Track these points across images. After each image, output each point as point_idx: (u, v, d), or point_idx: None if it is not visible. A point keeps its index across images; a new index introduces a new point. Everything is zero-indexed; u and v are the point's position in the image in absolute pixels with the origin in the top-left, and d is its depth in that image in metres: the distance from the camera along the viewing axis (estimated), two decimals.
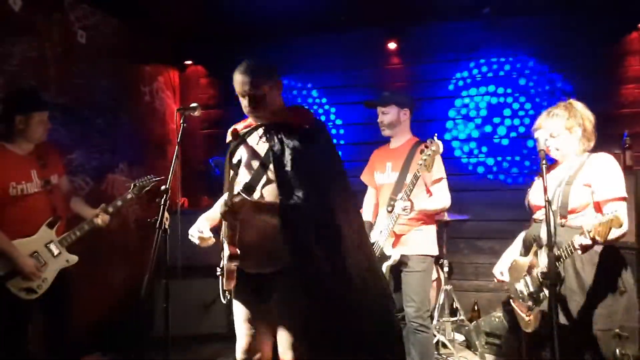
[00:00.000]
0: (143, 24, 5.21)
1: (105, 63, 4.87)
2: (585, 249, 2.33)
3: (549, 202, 2.37)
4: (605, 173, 2.56)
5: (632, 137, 4.55)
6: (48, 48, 4.22)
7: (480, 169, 5.25)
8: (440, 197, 3.52)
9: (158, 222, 2.47)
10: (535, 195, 2.83)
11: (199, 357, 4.48)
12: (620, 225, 2.21)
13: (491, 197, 5.12)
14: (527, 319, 2.74)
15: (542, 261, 2.60)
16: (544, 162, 2.48)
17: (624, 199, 2.51)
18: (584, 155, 2.70)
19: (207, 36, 5.58)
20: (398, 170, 3.57)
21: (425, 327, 3.45)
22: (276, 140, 2.41)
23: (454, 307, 4.75)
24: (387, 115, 3.65)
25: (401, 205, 3.33)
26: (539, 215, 2.75)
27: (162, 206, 2.49)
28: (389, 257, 3.46)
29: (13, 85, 3.79)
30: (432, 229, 3.64)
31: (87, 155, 4.62)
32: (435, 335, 4.24)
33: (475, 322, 4.65)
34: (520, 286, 2.80)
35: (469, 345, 4.61)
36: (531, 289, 2.70)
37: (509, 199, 4.94)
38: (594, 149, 2.74)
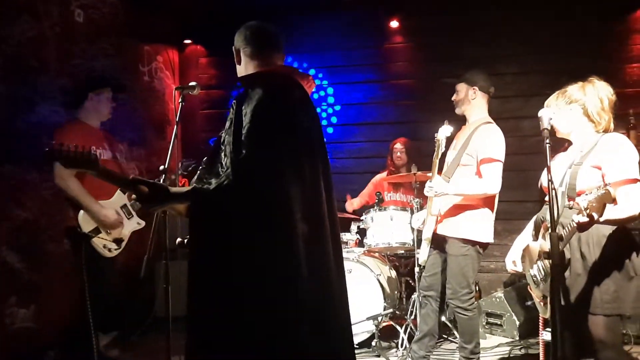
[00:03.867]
0: (141, 2, 5.14)
1: (104, 43, 4.81)
2: (582, 227, 2.22)
3: (552, 182, 2.31)
4: (616, 154, 2.45)
5: (637, 117, 4.51)
6: (46, 28, 4.17)
7: None
8: (482, 181, 3.32)
9: (152, 230, 2.47)
10: (545, 177, 2.77)
11: None
12: (612, 200, 2.12)
13: None
14: (542, 304, 2.66)
15: (549, 244, 2.54)
16: (546, 141, 2.41)
17: (636, 180, 2.39)
18: (597, 135, 2.58)
19: (206, 15, 5.52)
20: (457, 149, 3.47)
21: (462, 309, 3.41)
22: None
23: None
24: (457, 92, 3.57)
25: (428, 185, 3.32)
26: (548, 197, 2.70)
27: (156, 216, 2.47)
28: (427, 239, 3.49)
29: (17, 64, 3.83)
30: (481, 213, 3.41)
31: None
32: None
33: (476, 302, 4.66)
34: (534, 272, 2.69)
35: None
36: (544, 274, 2.58)
37: (511, 180, 4.91)
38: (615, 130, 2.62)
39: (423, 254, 3.56)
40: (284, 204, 1.97)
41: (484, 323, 4.50)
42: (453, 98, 3.60)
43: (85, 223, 3.41)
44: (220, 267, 2.00)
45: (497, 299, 4.51)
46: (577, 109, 2.61)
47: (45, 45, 4.14)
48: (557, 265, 2.26)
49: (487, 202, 3.42)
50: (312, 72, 5.71)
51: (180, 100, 2.62)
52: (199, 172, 2.19)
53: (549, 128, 2.42)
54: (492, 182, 3.29)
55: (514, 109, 5.15)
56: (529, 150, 4.95)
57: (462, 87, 3.54)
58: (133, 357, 3.95)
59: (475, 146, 3.36)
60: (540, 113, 2.46)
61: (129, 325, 4.44)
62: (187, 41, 6.02)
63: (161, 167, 2.48)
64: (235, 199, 1.95)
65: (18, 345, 3.82)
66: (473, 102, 3.52)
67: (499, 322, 4.45)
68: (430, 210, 3.45)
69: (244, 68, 2.26)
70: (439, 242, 3.51)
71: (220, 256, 2.00)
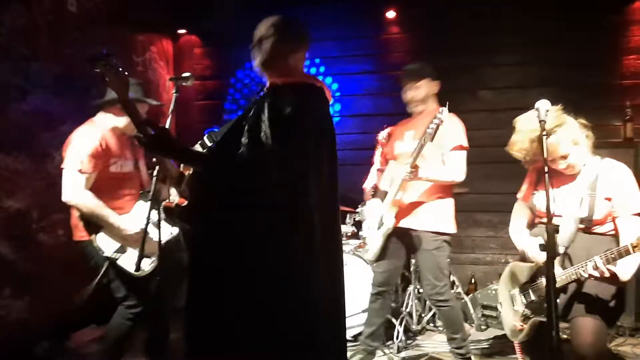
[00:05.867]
0: None
1: (97, 32, 4.75)
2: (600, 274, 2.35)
3: (547, 173, 2.22)
4: (626, 187, 2.57)
5: (634, 109, 4.49)
6: (38, 16, 4.12)
7: (479, 142, 5.18)
8: (450, 168, 3.35)
9: (150, 194, 2.45)
10: (538, 200, 2.77)
11: None
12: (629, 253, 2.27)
13: (489, 170, 5.07)
14: (518, 326, 2.68)
15: (557, 272, 2.42)
16: (544, 133, 2.29)
17: None
18: (595, 159, 2.66)
19: (201, 5, 5.46)
20: (418, 139, 3.38)
21: (443, 300, 3.41)
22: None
23: (451, 280, 4.75)
24: (420, 89, 3.45)
25: (404, 170, 3.25)
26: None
27: (154, 177, 2.46)
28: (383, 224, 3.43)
29: (8, 53, 3.76)
30: (447, 203, 3.46)
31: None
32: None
33: (472, 294, 4.67)
34: (515, 292, 2.74)
35: (465, 317, 4.60)
36: (533, 298, 2.63)
37: (506, 171, 4.89)
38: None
39: (374, 248, 3.54)
40: (305, 210, 2.02)
41: (480, 315, 4.50)
42: (411, 97, 3.49)
43: (107, 244, 3.07)
44: (236, 253, 2.01)
45: (493, 292, 4.51)
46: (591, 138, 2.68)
47: (37, 34, 4.09)
48: (552, 258, 2.20)
49: (450, 191, 3.46)
50: (319, 69, 5.69)
51: (174, 91, 2.59)
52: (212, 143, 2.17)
53: (546, 120, 2.38)
54: (460, 169, 3.33)
55: (510, 100, 5.12)
56: None
57: (424, 84, 3.46)
58: (129, 349, 3.94)
59: (440, 135, 3.25)
60: (538, 104, 2.41)
61: None
62: (182, 31, 5.94)
63: (154, 159, 2.46)
64: (257, 184, 1.98)
65: (13, 336, 3.79)
66: (434, 95, 3.51)
67: (494, 315, 4.45)
68: (394, 198, 3.37)
69: (270, 59, 2.24)
70: (401, 236, 3.47)
71: (235, 236, 2.01)
